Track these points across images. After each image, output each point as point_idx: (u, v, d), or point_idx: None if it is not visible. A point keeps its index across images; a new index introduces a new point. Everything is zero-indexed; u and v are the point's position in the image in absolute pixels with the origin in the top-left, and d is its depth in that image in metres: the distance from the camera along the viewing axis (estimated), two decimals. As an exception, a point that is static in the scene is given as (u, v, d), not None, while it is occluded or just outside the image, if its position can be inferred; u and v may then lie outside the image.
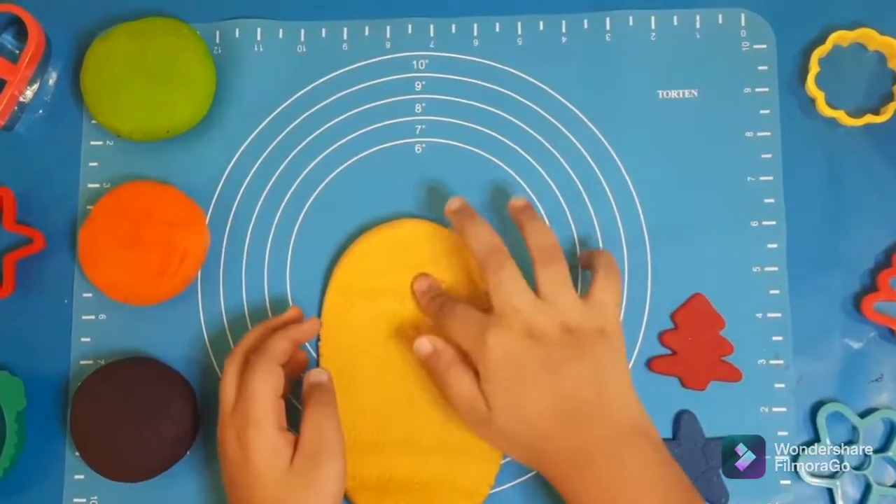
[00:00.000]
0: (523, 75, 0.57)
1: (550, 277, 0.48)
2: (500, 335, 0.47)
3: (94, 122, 0.57)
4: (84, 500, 0.54)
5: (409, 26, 0.57)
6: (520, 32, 0.57)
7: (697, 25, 0.57)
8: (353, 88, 0.57)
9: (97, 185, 0.57)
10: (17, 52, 0.57)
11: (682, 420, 0.53)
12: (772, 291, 0.54)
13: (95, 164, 0.57)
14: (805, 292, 0.54)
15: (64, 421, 0.54)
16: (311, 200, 0.56)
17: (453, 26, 0.57)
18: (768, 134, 0.55)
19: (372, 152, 0.56)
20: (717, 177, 0.55)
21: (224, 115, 0.57)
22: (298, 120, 0.57)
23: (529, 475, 0.53)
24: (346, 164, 0.56)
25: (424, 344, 0.50)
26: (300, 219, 0.56)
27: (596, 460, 0.46)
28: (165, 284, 0.53)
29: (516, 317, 0.47)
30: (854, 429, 0.52)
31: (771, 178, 0.55)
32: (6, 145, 0.58)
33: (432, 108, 0.57)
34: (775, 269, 0.54)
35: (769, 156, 0.55)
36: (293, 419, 0.49)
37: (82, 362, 0.55)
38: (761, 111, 0.55)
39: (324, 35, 0.58)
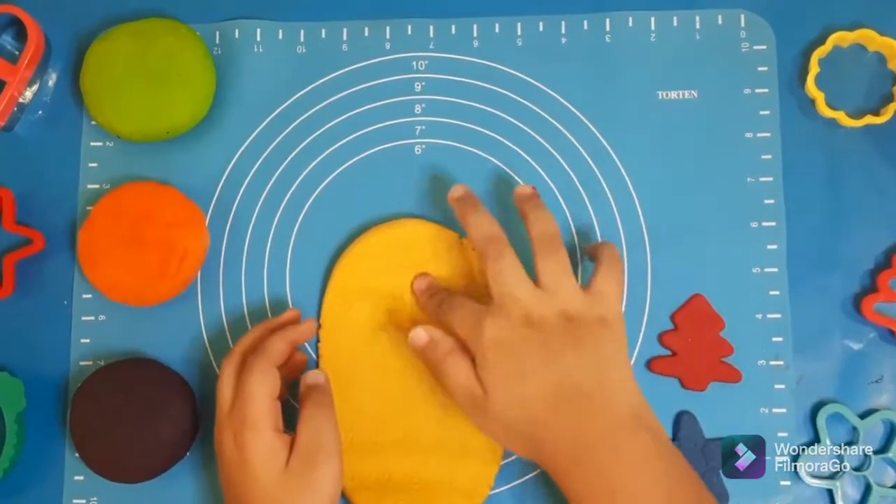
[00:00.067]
0: (523, 76, 0.57)
1: (551, 267, 0.48)
2: (497, 323, 0.47)
3: (93, 122, 0.57)
4: (84, 501, 0.54)
5: (409, 27, 0.57)
6: (519, 33, 0.57)
7: (697, 26, 0.57)
8: (353, 89, 0.57)
9: (97, 186, 0.57)
10: (17, 52, 0.57)
11: (682, 421, 0.53)
12: (772, 292, 0.54)
13: (95, 164, 0.57)
14: (805, 293, 0.54)
15: (64, 422, 0.54)
16: (310, 201, 0.56)
17: (453, 27, 0.57)
18: (768, 135, 0.55)
19: (372, 153, 0.56)
20: (716, 178, 0.55)
21: (224, 115, 0.57)
22: (298, 121, 0.57)
23: (529, 476, 0.53)
24: (345, 165, 0.56)
25: (420, 334, 0.49)
26: (300, 219, 0.56)
27: (595, 452, 0.45)
28: (165, 285, 0.53)
29: (515, 305, 0.47)
30: (854, 430, 0.52)
31: (771, 178, 0.55)
32: (6, 146, 0.58)
33: (432, 109, 0.57)
34: (775, 269, 0.54)
35: (769, 157, 0.55)
36: (293, 420, 0.49)
37: (82, 363, 0.55)
38: (761, 112, 0.55)
39: (323, 36, 0.58)
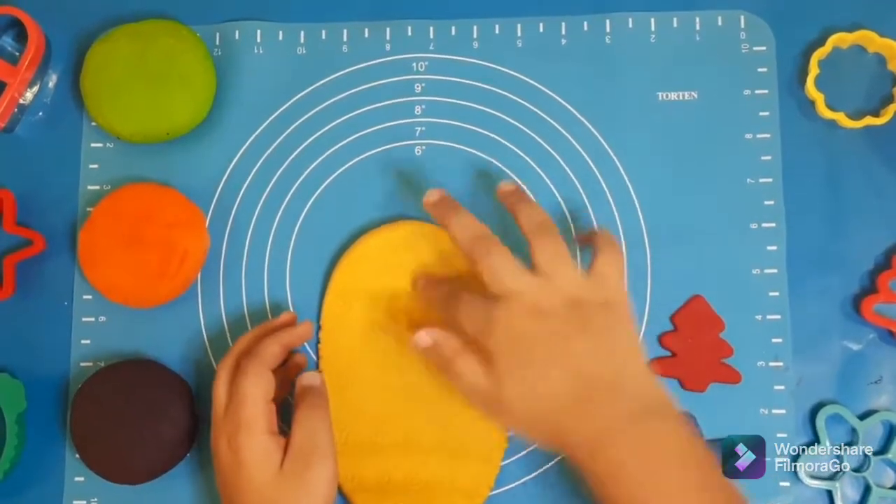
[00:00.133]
0: (523, 77, 0.57)
1: (547, 252, 0.47)
2: (505, 316, 0.46)
3: (93, 124, 0.57)
4: (84, 502, 0.54)
5: (409, 28, 0.57)
6: (519, 34, 0.57)
7: (697, 27, 0.57)
8: (353, 90, 0.57)
9: (97, 187, 0.57)
10: (17, 54, 0.57)
11: (681, 422, 0.53)
12: (771, 293, 0.54)
13: (95, 166, 0.57)
14: (805, 294, 0.54)
15: (64, 423, 0.54)
16: (310, 202, 0.56)
17: (453, 28, 0.57)
18: (768, 136, 0.55)
19: (372, 154, 0.56)
20: (716, 179, 0.55)
21: (224, 116, 0.57)
22: (298, 122, 0.57)
23: (529, 477, 0.53)
24: (346, 166, 0.56)
25: (423, 337, 0.48)
26: (300, 220, 0.56)
27: (615, 441, 0.44)
28: (165, 286, 0.53)
29: (518, 298, 0.46)
30: (853, 431, 0.52)
31: (770, 180, 0.55)
32: (6, 147, 0.58)
33: (432, 110, 0.57)
34: (775, 270, 0.54)
35: (769, 158, 0.55)
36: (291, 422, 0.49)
37: (82, 364, 0.55)
38: (761, 113, 0.55)
39: (323, 37, 0.58)
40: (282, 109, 0.57)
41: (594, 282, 0.47)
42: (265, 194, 0.56)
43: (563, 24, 0.57)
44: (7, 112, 0.56)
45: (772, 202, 0.55)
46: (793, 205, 0.55)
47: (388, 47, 0.57)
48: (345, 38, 0.58)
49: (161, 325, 0.55)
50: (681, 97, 0.56)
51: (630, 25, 0.57)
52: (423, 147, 0.56)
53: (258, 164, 0.56)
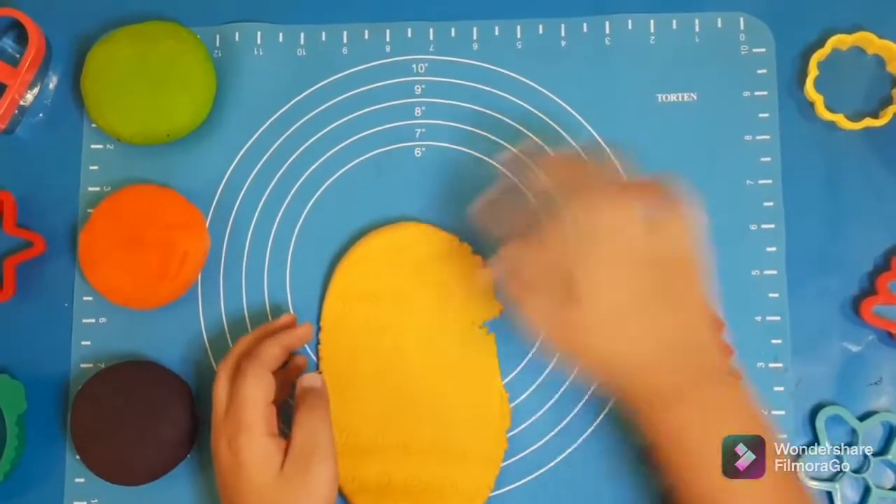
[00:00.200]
0: (523, 79, 0.57)
1: (620, 207, 0.46)
2: (595, 265, 0.45)
3: (94, 125, 0.57)
4: (84, 503, 0.54)
5: (409, 30, 0.58)
6: (519, 36, 0.57)
7: (696, 29, 0.57)
8: (353, 92, 0.57)
9: (97, 189, 0.57)
10: (18, 55, 0.58)
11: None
12: (771, 295, 0.54)
13: (96, 167, 0.57)
14: (804, 295, 0.54)
15: (64, 424, 0.54)
16: (311, 203, 0.56)
17: (453, 30, 0.57)
18: (767, 137, 0.55)
19: (372, 156, 0.56)
20: (716, 180, 0.55)
21: (224, 118, 0.57)
22: (298, 123, 0.57)
23: (529, 478, 0.53)
24: (346, 168, 0.56)
25: (496, 264, 0.48)
26: (300, 222, 0.56)
27: (680, 406, 0.45)
28: (165, 287, 0.53)
29: (610, 247, 0.45)
30: (853, 432, 0.52)
31: (770, 181, 0.55)
32: (7, 149, 0.58)
33: (432, 112, 0.57)
34: (774, 272, 0.54)
35: (768, 159, 0.55)
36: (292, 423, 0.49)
37: (83, 365, 0.55)
38: (760, 115, 0.56)
39: (323, 38, 0.58)
40: (282, 111, 0.57)
41: (663, 239, 0.46)
42: (265, 195, 0.56)
43: (563, 25, 0.57)
44: (7, 113, 0.56)
45: (771, 203, 0.55)
46: (792, 206, 0.55)
47: (387, 49, 0.57)
48: (345, 40, 0.58)
49: (161, 326, 0.55)
50: (680, 99, 0.56)
51: (629, 27, 0.57)
52: (424, 148, 0.56)
53: (258, 166, 0.57)
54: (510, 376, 0.54)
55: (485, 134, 0.56)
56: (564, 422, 0.53)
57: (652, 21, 0.57)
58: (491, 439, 0.53)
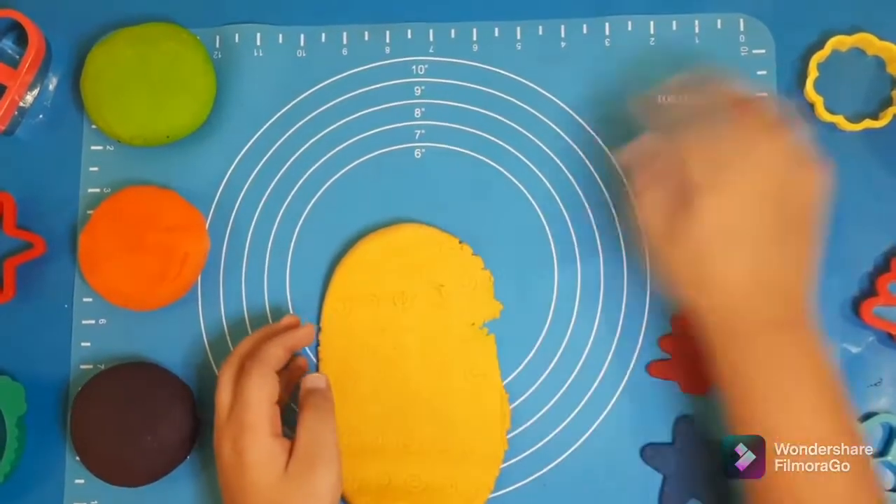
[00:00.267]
0: (522, 80, 0.57)
1: (774, 139, 0.47)
2: (723, 184, 0.45)
3: (94, 127, 0.57)
4: (84, 504, 0.54)
5: (409, 31, 0.58)
6: (519, 37, 0.57)
7: (696, 30, 0.57)
8: (353, 93, 0.57)
9: (97, 190, 0.57)
10: (18, 57, 0.58)
11: (680, 425, 0.53)
12: (771, 296, 0.54)
13: (96, 168, 0.57)
14: (804, 296, 0.54)
15: (64, 425, 0.54)
16: (310, 205, 0.56)
17: (452, 31, 0.57)
18: (767, 138, 0.55)
19: (371, 157, 0.56)
20: (716, 181, 0.55)
21: (224, 120, 0.57)
22: (298, 125, 0.57)
23: (529, 479, 0.53)
24: (345, 169, 0.56)
25: (632, 149, 0.49)
26: (300, 223, 0.56)
27: (759, 339, 0.45)
28: (165, 289, 0.53)
29: (746, 174, 0.46)
30: (853, 433, 0.52)
31: (770, 182, 0.55)
32: (7, 150, 0.58)
33: (432, 113, 0.57)
34: (774, 273, 0.54)
35: (768, 160, 0.55)
36: (294, 424, 0.49)
37: (82, 367, 0.55)
38: (760, 116, 0.56)
39: (323, 40, 0.58)
40: (282, 112, 0.57)
41: (789, 193, 0.47)
42: (265, 197, 0.56)
43: (563, 26, 0.57)
44: (7, 115, 0.56)
45: (771, 205, 0.55)
46: (792, 207, 0.55)
47: (387, 50, 0.57)
48: (344, 41, 0.58)
49: (161, 327, 0.55)
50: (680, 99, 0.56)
51: (629, 28, 0.57)
52: (423, 150, 0.56)
53: (258, 167, 0.57)
54: (510, 377, 0.54)
55: (485, 135, 0.56)
56: (564, 423, 0.53)
57: (652, 22, 0.57)
58: (491, 440, 0.53)
